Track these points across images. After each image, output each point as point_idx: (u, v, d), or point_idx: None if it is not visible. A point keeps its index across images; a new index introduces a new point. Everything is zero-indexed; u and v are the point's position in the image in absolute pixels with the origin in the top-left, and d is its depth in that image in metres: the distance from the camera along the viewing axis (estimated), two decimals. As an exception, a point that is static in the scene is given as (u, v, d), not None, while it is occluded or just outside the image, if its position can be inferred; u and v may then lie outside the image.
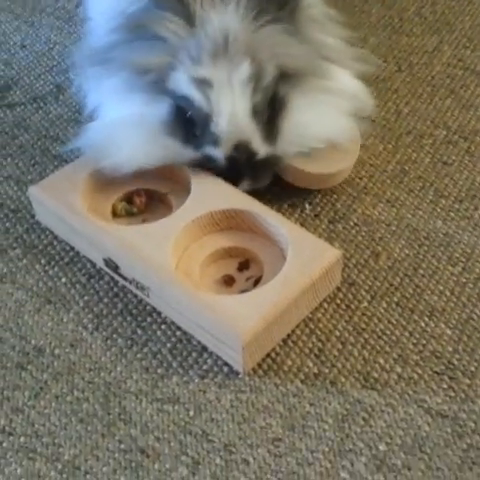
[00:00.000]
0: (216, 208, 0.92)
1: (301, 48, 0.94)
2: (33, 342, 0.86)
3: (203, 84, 0.89)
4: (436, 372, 0.82)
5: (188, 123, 0.92)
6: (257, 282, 0.89)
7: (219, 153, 0.91)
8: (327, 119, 0.96)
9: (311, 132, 0.95)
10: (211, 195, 0.93)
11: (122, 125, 0.94)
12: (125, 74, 0.93)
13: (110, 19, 0.96)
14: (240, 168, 0.93)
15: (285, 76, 0.93)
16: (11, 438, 0.77)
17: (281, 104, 0.94)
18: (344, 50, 1.01)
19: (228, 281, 0.89)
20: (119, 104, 0.96)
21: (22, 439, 0.77)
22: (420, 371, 0.82)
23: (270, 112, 0.93)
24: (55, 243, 0.98)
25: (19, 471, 0.74)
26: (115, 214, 0.97)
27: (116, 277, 0.92)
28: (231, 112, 0.89)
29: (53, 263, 0.95)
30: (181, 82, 0.91)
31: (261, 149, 0.92)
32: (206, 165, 0.93)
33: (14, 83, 1.25)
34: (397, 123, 1.15)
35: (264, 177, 0.96)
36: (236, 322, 0.79)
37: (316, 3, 1.01)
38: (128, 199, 0.98)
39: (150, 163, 0.94)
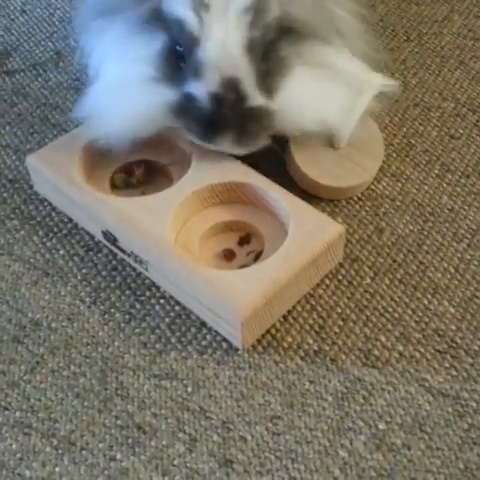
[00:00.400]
0: (217, 181, 0.90)
1: (312, 2, 0.87)
2: (30, 315, 0.85)
3: (200, 5, 0.82)
4: (438, 351, 0.80)
5: (178, 60, 0.85)
6: (258, 257, 0.87)
7: (201, 88, 0.82)
8: (327, 102, 0.88)
9: (310, 106, 0.87)
10: (212, 167, 0.91)
11: (114, 86, 0.89)
12: (123, 18, 0.88)
13: None
14: (225, 113, 0.82)
15: (289, 32, 0.86)
16: (6, 413, 0.76)
17: (282, 64, 0.86)
18: (356, 27, 0.94)
19: (228, 255, 0.88)
20: (118, 56, 0.89)
21: (18, 414, 0.76)
22: (422, 349, 0.80)
23: (269, 66, 0.85)
24: (53, 214, 0.96)
25: (14, 446, 0.74)
26: (114, 186, 0.95)
27: (115, 250, 0.90)
28: (223, 38, 0.81)
29: (51, 235, 0.94)
30: (177, 2, 0.83)
31: (254, 95, 0.83)
32: (188, 110, 0.84)
33: (13, 49, 1.22)
34: (404, 95, 1.12)
35: (253, 137, 0.86)
36: (235, 298, 0.78)
37: None
38: (127, 170, 0.96)
39: (140, 127, 0.87)
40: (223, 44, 0.81)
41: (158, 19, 0.87)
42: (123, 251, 0.89)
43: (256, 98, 0.84)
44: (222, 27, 0.81)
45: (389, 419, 0.75)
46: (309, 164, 0.95)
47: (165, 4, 0.85)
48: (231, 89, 0.82)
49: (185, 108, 0.85)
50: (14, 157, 1.04)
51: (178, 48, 0.85)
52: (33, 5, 1.31)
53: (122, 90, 0.88)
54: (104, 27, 0.90)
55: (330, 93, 0.88)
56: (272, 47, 0.85)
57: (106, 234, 0.90)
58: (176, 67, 0.86)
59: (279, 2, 0.84)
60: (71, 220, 0.95)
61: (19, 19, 1.28)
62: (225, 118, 0.83)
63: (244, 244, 0.89)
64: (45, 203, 0.97)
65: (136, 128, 0.87)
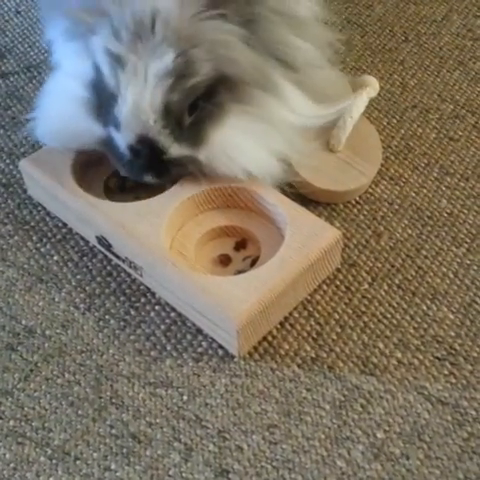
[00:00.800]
0: (212, 185, 0.89)
1: (249, 55, 0.83)
2: (23, 322, 0.84)
3: (115, 61, 0.80)
4: (437, 358, 0.79)
5: (105, 96, 0.83)
6: (254, 262, 0.86)
7: (120, 139, 0.82)
8: (258, 153, 0.85)
9: (238, 158, 0.85)
10: (208, 171, 0.90)
11: (53, 94, 0.89)
12: (66, 13, 0.86)
13: None
14: (143, 162, 0.83)
15: (226, 81, 0.82)
16: (0, 422, 0.75)
17: (215, 111, 0.83)
18: (318, 56, 0.91)
19: (224, 261, 0.87)
20: (63, 53, 0.90)
21: (11, 423, 0.75)
22: (421, 357, 0.79)
23: (198, 115, 0.82)
24: (47, 219, 0.95)
25: (8, 456, 0.73)
26: (108, 189, 0.94)
27: (109, 255, 0.89)
28: (135, 103, 0.79)
29: (45, 240, 0.92)
30: (97, 49, 0.81)
31: (172, 149, 0.82)
32: (111, 150, 0.85)
33: (8, 51, 1.21)
34: (402, 96, 1.11)
35: (175, 174, 0.86)
36: (231, 305, 0.77)
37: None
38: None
39: (68, 143, 0.89)
40: (136, 107, 0.79)
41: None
42: (118, 257, 0.88)
43: (176, 150, 0.83)
44: (136, 90, 0.79)
45: (387, 428, 0.74)
46: (306, 168, 0.93)
47: (90, 42, 0.83)
48: (147, 145, 0.81)
49: (109, 146, 0.85)
50: (8, 161, 1.02)
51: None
52: (28, 6, 1.30)
53: (59, 101, 0.89)
54: (51, 19, 0.90)
55: (262, 143, 0.85)
56: (205, 95, 0.82)
57: (100, 239, 0.88)
58: (104, 103, 0.83)
59: (212, 65, 0.81)
60: (65, 225, 0.94)
61: (13, 20, 1.27)
62: (141, 166, 0.84)
63: (240, 249, 0.88)
64: (39, 208, 0.96)
65: (69, 142, 0.90)
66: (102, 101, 0.84)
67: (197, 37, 0.79)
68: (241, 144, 0.84)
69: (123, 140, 0.82)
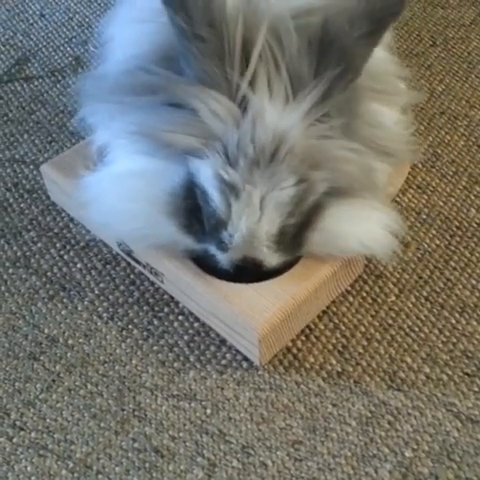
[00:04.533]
0: None
1: (361, 164, 0.76)
2: (46, 331, 0.83)
3: (229, 189, 0.72)
4: (467, 373, 0.77)
5: (196, 209, 0.76)
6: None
7: (224, 259, 0.76)
8: (361, 231, 0.79)
9: (341, 243, 0.79)
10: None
11: (124, 194, 0.78)
12: (136, 105, 0.75)
13: (136, 44, 0.78)
14: (245, 275, 0.78)
15: (335, 190, 0.77)
16: (22, 433, 0.75)
17: (315, 214, 0.77)
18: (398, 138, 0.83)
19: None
20: (129, 159, 0.79)
21: (33, 434, 0.75)
22: (450, 372, 0.78)
23: (301, 221, 0.76)
24: (71, 226, 0.94)
25: (29, 469, 0.72)
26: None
27: (131, 262, 0.88)
28: (250, 231, 0.73)
29: (68, 247, 0.92)
30: (204, 175, 0.73)
31: (273, 262, 0.77)
32: (207, 260, 0.79)
33: (32, 55, 1.21)
34: (430, 102, 1.09)
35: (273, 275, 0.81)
36: (252, 313, 0.76)
37: (383, 62, 0.83)
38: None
39: (147, 244, 0.81)
40: (251, 237, 0.73)
41: (180, 161, 0.75)
42: (138, 262, 0.87)
43: (276, 261, 0.77)
44: (252, 221, 0.73)
45: (416, 446, 0.72)
46: None
47: (191, 166, 0.74)
48: (252, 263, 0.76)
49: (203, 258, 0.79)
50: (32, 166, 1.02)
51: (199, 202, 0.76)
52: (52, 9, 1.30)
53: (126, 198, 0.79)
54: (115, 114, 0.77)
55: (363, 223, 0.79)
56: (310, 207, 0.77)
57: (121, 244, 0.88)
58: (193, 216, 0.77)
59: (330, 182, 0.74)
60: (89, 232, 0.93)
61: (38, 23, 1.27)
62: (243, 278, 0.79)
63: None
64: (63, 214, 0.96)
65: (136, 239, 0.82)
66: (195, 207, 0.76)
67: (318, 158, 0.73)
68: (342, 230, 0.78)
69: (228, 260, 0.76)
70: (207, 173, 0.72)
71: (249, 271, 0.77)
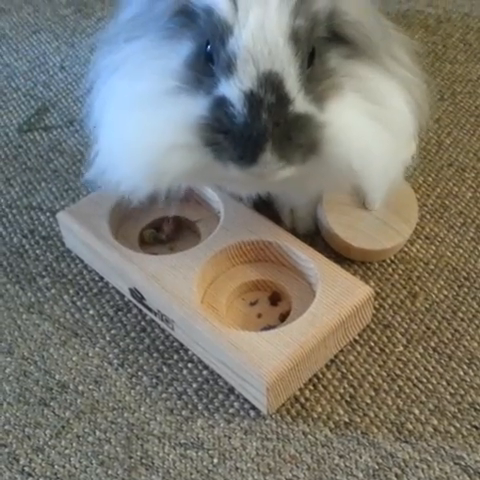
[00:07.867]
0: (245, 239, 0.89)
1: (366, 5, 0.73)
2: (57, 377, 0.84)
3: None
4: (475, 426, 0.77)
5: (206, 63, 0.71)
6: (284, 317, 0.86)
7: (234, 88, 0.67)
8: (376, 145, 0.73)
9: (359, 141, 0.71)
10: (241, 225, 0.91)
11: (123, 127, 0.75)
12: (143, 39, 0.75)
13: None
14: (265, 120, 0.66)
15: (339, 42, 0.72)
16: (30, 479, 0.75)
17: (331, 77, 0.72)
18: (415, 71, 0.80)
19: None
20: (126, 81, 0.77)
21: (41, 481, 0.75)
22: (458, 424, 0.78)
23: (316, 72, 0.70)
24: (84, 272, 0.96)
25: (37, 515, 0.73)
26: (143, 241, 0.96)
27: (143, 309, 0.90)
28: (261, 23, 0.66)
29: (81, 294, 0.94)
30: None
31: (298, 99, 0.67)
32: (220, 122, 0.69)
33: (51, 105, 1.25)
34: (438, 154, 1.11)
35: (300, 153, 0.70)
36: (260, 361, 0.76)
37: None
38: (156, 226, 0.97)
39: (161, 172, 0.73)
40: (262, 30, 0.66)
41: (181, 25, 0.74)
42: (150, 309, 0.88)
43: (302, 103, 0.68)
44: (261, 11, 0.67)
45: (422, 500, 0.72)
46: (341, 225, 0.94)
47: None
48: (270, 88, 0.66)
49: (215, 121, 0.69)
50: (48, 213, 1.05)
51: (207, 48, 0.71)
52: (72, 61, 1.34)
53: (134, 111, 0.74)
54: (111, 54, 0.80)
55: (378, 136, 0.73)
56: (320, 52, 0.71)
57: (133, 291, 0.89)
58: (203, 72, 0.71)
59: None
60: (102, 279, 0.95)
61: (58, 75, 1.31)
62: (263, 129, 0.67)
63: (277, 303, 0.88)
64: (77, 261, 0.98)
65: (156, 174, 0.74)
66: (205, 63, 0.71)
67: None
68: (362, 127, 0.72)
69: (240, 86, 0.67)
70: None
71: (270, 105, 0.66)
